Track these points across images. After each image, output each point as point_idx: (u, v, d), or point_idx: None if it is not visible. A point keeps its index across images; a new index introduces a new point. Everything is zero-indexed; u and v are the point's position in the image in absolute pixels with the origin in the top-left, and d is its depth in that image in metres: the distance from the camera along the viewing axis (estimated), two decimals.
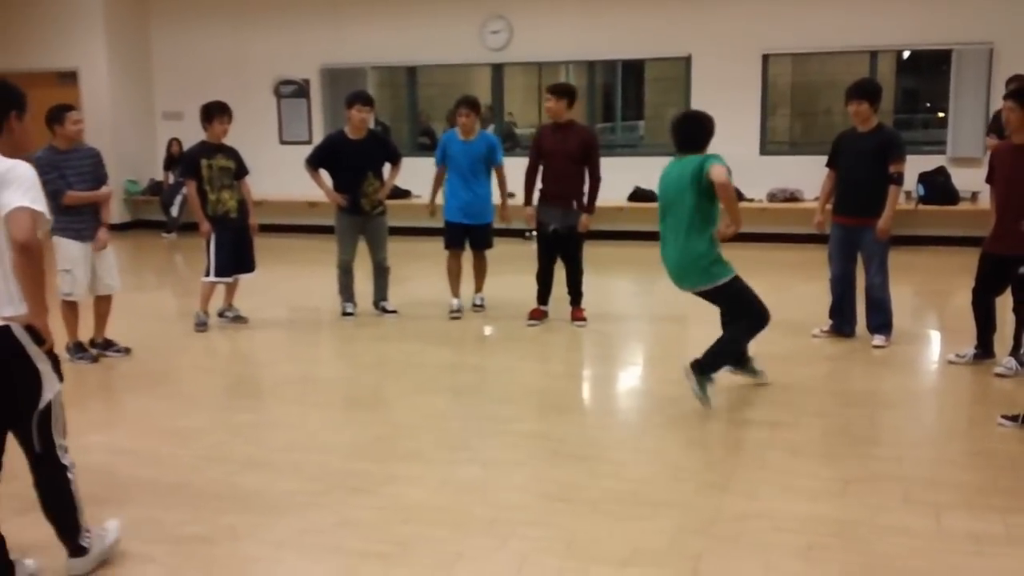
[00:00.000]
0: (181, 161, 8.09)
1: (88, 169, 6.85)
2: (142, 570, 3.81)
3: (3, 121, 3.54)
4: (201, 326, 8.03)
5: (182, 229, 13.28)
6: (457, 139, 8.21)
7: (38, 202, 3.34)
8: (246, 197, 8.06)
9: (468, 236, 8.34)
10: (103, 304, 7.17)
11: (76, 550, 3.72)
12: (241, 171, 8.03)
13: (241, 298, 8.24)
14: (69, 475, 3.62)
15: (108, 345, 7.23)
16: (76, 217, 6.78)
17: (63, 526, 3.69)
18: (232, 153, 7.99)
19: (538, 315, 8.04)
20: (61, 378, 3.55)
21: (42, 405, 3.45)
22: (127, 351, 7.31)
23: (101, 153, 7.10)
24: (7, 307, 3.36)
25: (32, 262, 3.29)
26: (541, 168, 7.87)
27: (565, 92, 7.81)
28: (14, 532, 3.65)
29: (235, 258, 7.96)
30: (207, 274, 7.96)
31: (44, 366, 3.44)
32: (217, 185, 7.84)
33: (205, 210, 7.83)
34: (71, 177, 6.71)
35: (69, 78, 14.04)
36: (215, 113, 7.86)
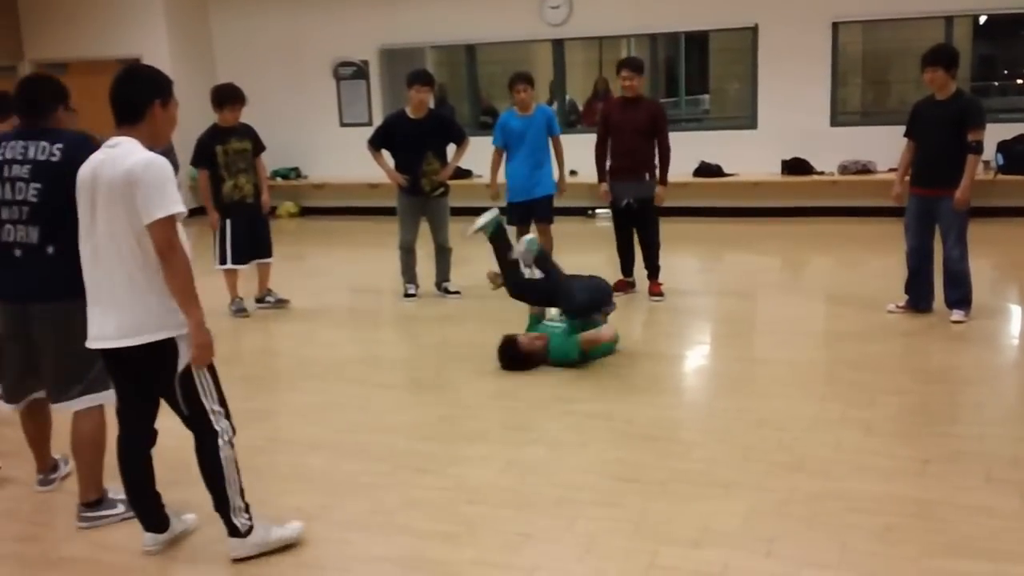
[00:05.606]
0: (195, 148, 7.80)
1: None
2: (214, 550, 3.82)
3: (145, 108, 3.51)
4: (240, 312, 8.00)
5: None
6: (516, 116, 8.15)
7: (175, 203, 3.39)
8: (260, 175, 7.93)
9: (533, 210, 8.26)
10: None
11: (230, 529, 3.70)
12: (258, 148, 7.91)
13: (305, 278, 8.25)
14: (220, 441, 3.61)
15: None
16: None
17: (214, 495, 3.66)
18: (246, 132, 7.84)
19: (623, 286, 7.97)
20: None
21: (180, 369, 3.52)
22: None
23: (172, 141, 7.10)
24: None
25: (173, 269, 3.45)
26: (610, 143, 7.85)
27: (642, 67, 7.86)
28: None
29: (251, 243, 7.85)
30: (222, 261, 7.84)
31: (180, 339, 3.53)
32: (234, 170, 7.72)
33: (220, 197, 7.72)
34: None
35: None
36: (227, 100, 7.68)
